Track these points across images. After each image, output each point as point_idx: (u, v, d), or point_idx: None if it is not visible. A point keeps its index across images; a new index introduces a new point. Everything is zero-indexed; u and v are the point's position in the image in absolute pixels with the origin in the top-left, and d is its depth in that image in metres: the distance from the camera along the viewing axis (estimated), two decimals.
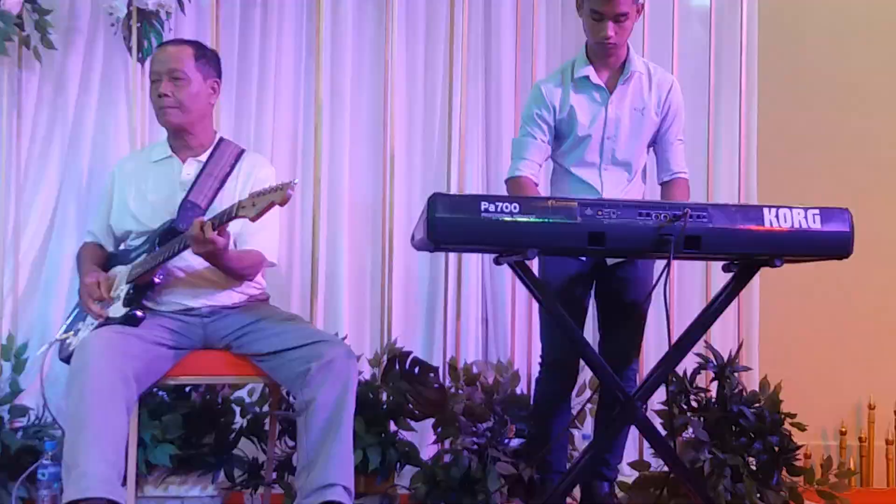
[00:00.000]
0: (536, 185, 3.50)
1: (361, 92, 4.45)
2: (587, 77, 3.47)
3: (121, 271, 3.35)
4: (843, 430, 4.85)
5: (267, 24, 4.40)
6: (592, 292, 3.60)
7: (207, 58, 3.45)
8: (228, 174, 3.40)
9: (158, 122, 3.45)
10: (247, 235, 3.31)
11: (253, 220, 2.94)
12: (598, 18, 3.35)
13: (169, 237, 3.22)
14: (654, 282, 3.50)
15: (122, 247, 3.44)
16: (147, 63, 3.84)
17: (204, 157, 3.42)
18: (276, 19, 4.40)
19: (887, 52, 4.96)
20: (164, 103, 3.36)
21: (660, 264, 3.11)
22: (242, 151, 3.49)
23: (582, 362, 3.55)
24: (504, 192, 3.58)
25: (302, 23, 4.43)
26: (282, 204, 2.89)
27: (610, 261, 3.51)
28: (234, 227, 3.12)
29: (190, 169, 3.41)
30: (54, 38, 4.04)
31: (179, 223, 3.24)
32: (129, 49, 4.06)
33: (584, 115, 3.47)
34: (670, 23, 4.43)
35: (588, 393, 4.00)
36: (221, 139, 3.50)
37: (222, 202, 3.29)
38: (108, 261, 3.45)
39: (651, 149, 3.60)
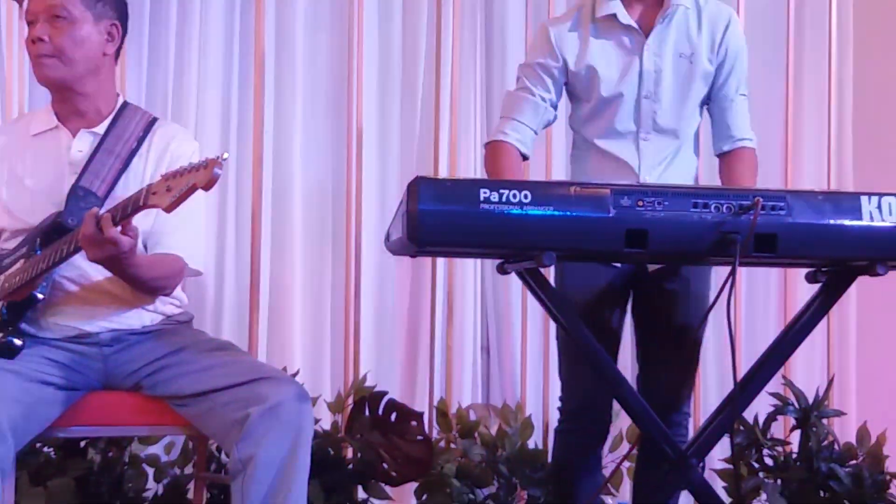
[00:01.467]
0: (525, 157, 3.50)
1: (317, 47, 4.50)
2: (614, 15, 3.45)
3: None
4: None
5: None
6: (629, 312, 3.59)
7: None
8: (135, 150, 3.37)
9: (36, 78, 3.42)
10: (161, 235, 3.28)
11: (168, 210, 2.91)
12: None
13: (55, 237, 3.19)
14: (712, 297, 3.50)
15: None
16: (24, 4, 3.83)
17: (101, 129, 3.38)
18: None
19: None
20: (39, 50, 3.31)
21: (721, 273, 3.11)
22: (154, 120, 3.47)
23: (616, 406, 3.55)
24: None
25: None
26: (207, 188, 2.85)
27: (652, 269, 3.50)
28: (143, 221, 3.11)
29: (82, 144, 3.37)
30: None
31: (68, 217, 3.21)
32: None
33: (610, 68, 3.46)
34: None
35: (625, 447, 3.99)
36: (126, 104, 3.47)
37: (127, 188, 3.25)
38: None
39: (705, 109, 3.59)
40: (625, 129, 3.46)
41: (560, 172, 4.22)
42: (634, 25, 3.44)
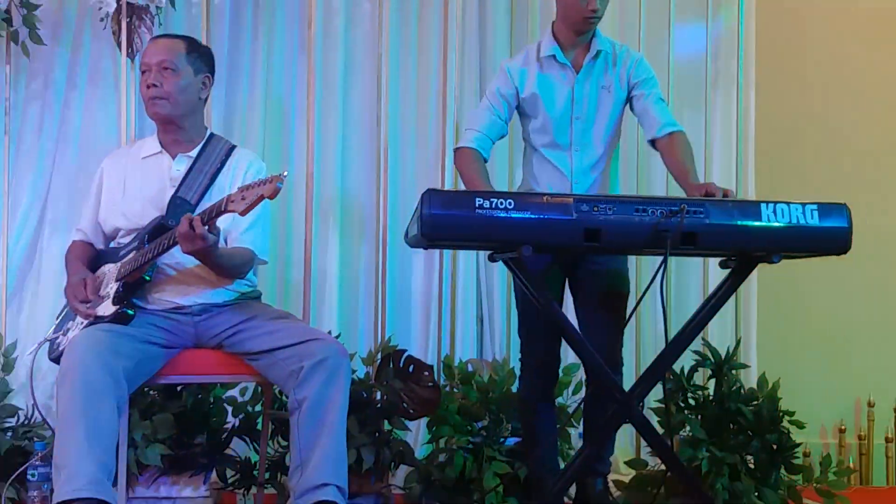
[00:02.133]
0: (486, 160, 3.47)
1: (354, 86, 4.46)
2: (554, 56, 3.46)
3: (110, 269, 3.34)
4: (842, 427, 4.87)
5: (257, 19, 4.40)
6: (567, 287, 3.58)
7: (200, 53, 3.44)
8: (219, 170, 3.40)
9: (147, 114, 3.44)
10: (237, 232, 3.31)
11: (242, 213, 2.94)
12: None
13: (158, 234, 3.20)
14: (641, 278, 3.51)
15: (111, 244, 3.43)
16: (137, 58, 3.83)
17: (194, 153, 3.42)
18: (268, 14, 4.41)
19: (886, 46, 4.98)
20: (152, 94, 3.34)
21: (655, 261, 3.11)
22: (233, 147, 3.49)
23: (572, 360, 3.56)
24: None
25: (293, 17, 4.42)
26: (271, 197, 2.88)
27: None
28: (224, 224, 3.14)
29: (180, 165, 3.40)
30: (43, 34, 4.04)
31: (169, 219, 3.23)
32: (119, 44, 4.05)
33: (550, 95, 3.46)
34: (667, 15, 4.43)
35: (584, 391, 4.01)
36: (212, 135, 3.50)
37: (212, 198, 3.26)
38: (97, 259, 3.44)
39: (634, 114, 3.54)
40: (561, 142, 3.47)
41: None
42: (569, 64, 3.46)
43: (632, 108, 3.53)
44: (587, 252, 3.38)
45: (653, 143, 3.48)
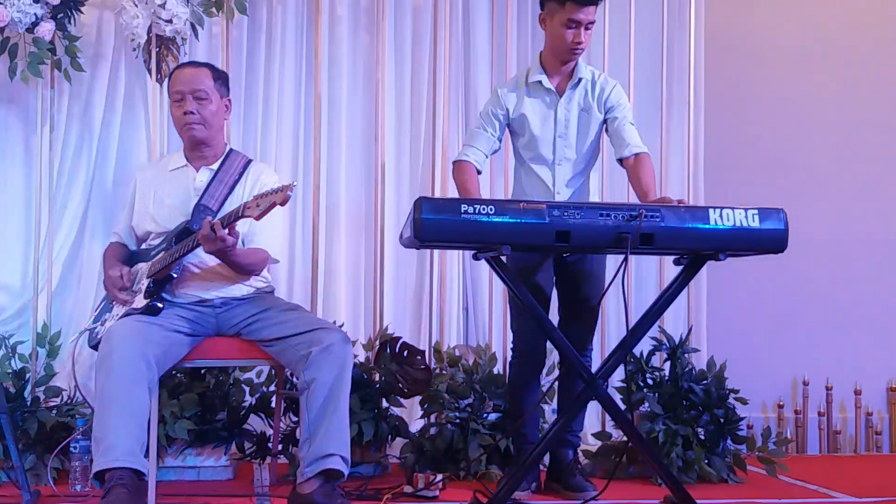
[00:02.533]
0: (479, 172, 3.49)
1: (355, 108, 4.44)
2: (539, 82, 3.48)
3: (142, 267, 3.33)
4: (781, 403, 4.88)
5: (270, 48, 4.39)
6: (554, 284, 3.59)
7: (222, 79, 3.44)
8: (237, 181, 3.39)
9: (181, 136, 3.42)
10: (253, 235, 3.30)
11: (257, 218, 2.94)
12: (574, 26, 3.36)
13: (184, 236, 3.20)
14: (606, 275, 3.52)
15: (143, 246, 3.42)
16: (165, 83, 3.82)
17: (215, 166, 3.41)
18: (279, 44, 4.39)
19: (820, 71, 5.00)
20: (190, 120, 3.32)
21: (615, 260, 3.12)
22: (250, 161, 3.48)
23: (549, 347, 3.56)
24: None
25: (302, 47, 4.41)
26: (282, 204, 2.89)
27: (568, 256, 3.51)
28: (241, 227, 3.13)
29: (203, 176, 3.39)
30: (82, 62, 4.02)
31: (193, 224, 3.22)
32: (149, 71, 4.04)
33: (536, 116, 3.48)
34: (627, 47, 4.43)
35: (557, 372, 4.00)
36: (231, 150, 3.49)
37: (231, 205, 3.26)
38: (131, 258, 3.43)
39: (607, 135, 3.55)
40: (546, 157, 3.48)
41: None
42: (553, 89, 3.47)
43: (606, 130, 3.54)
44: (558, 251, 3.39)
45: (620, 161, 3.49)
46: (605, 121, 3.51)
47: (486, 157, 3.53)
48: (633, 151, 3.44)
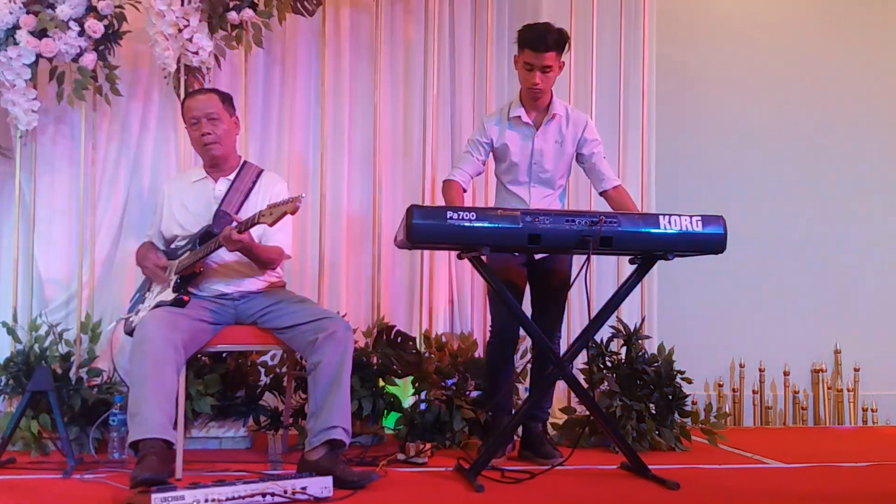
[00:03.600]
0: (465, 190, 3.50)
1: (356, 128, 4.43)
2: (519, 116, 3.48)
3: (171, 265, 3.32)
4: (720, 383, 4.90)
5: (284, 76, 4.37)
6: (528, 280, 3.59)
7: (228, 101, 3.41)
8: (251, 189, 3.37)
9: (200, 154, 3.41)
10: (269, 235, 3.28)
11: (270, 225, 2.95)
12: (529, 69, 3.37)
13: (207, 238, 3.20)
14: (572, 272, 3.53)
15: (171, 246, 3.40)
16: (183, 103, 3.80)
17: (231, 177, 3.39)
18: (291, 73, 4.38)
19: (754, 97, 5.03)
20: (208, 140, 3.32)
21: (580, 258, 3.12)
22: (262, 171, 3.47)
23: (522, 332, 3.56)
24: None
25: (310, 75, 4.39)
26: (293, 213, 2.89)
27: (538, 256, 3.51)
28: (256, 230, 3.12)
29: (221, 186, 3.38)
30: (120, 87, 3.99)
31: (214, 227, 3.22)
32: (178, 95, 4.01)
33: (515, 146, 3.48)
34: (589, 76, 4.43)
35: (529, 356, 4.00)
36: (245, 161, 3.47)
37: (247, 210, 3.27)
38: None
39: (584, 171, 3.59)
40: (523, 180, 3.50)
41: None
42: (531, 123, 3.48)
43: (579, 161, 3.55)
44: (530, 252, 3.40)
45: (602, 193, 3.54)
46: (577, 153, 3.53)
47: (472, 178, 3.55)
48: (612, 185, 3.51)
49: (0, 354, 3.80)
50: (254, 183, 3.39)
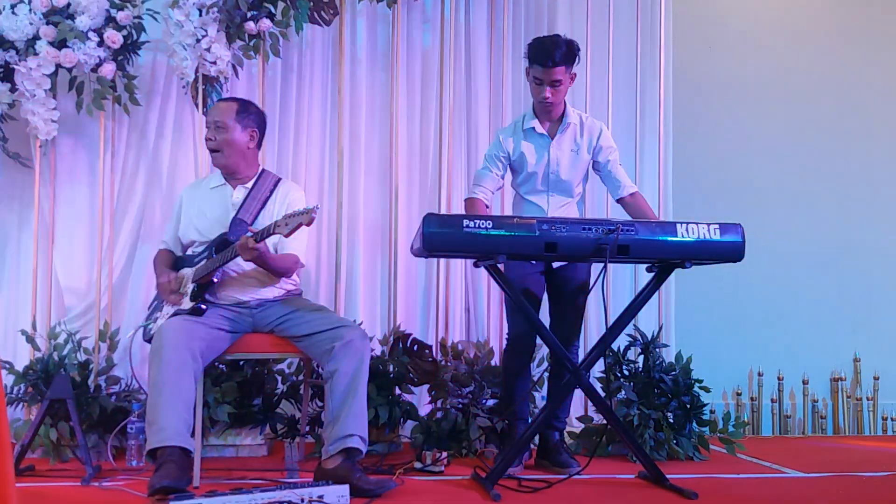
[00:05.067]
0: (487, 206, 3.50)
1: (373, 136, 4.44)
2: (533, 128, 3.48)
3: (188, 272, 3.33)
4: (739, 391, 4.86)
5: (301, 85, 4.39)
6: (545, 289, 3.58)
7: (249, 112, 3.39)
8: (268, 198, 3.38)
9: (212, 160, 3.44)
10: (284, 243, 3.29)
11: (286, 236, 2.95)
12: (538, 83, 3.37)
13: (223, 246, 3.20)
14: (590, 281, 3.51)
15: (188, 252, 3.42)
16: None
17: (249, 185, 3.40)
18: (308, 82, 4.39)
19: (772, 105, 5.01)
20: (209, 146, 3.36)
21: (597, 267, 3.11)
22: (279, 179, 3.47)
23: (539, 340, 3.55)
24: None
25: (327, 84, 4.41)
26: (308, 224, 2.89)
27: (556, 265, 3.50)
28: (272, 239, 3.13)
29: (239, 194, 3.39)
30: (139, 97, 4.02)
31: (231, 235, 3.23)
32: (196, 104, 4.04)
33: (531, 156, 3.47)
34: (606, 84, 4.42)
35: (546, 364, 3.99)
36: (263, 170, 3.48)
37: (263, 219, 3.29)
38: (176, 263, 3.43)
39: (600, 178, 3.58)
40: (540, 189, 3.48)
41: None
42: (546, 133, 3.47)
43: (595, 169, 3.54)
44: (546, 260, 3.39)
45: (618, 200, 3.53)
46: (593, 161, 3.52)
47: (493, 193, 3.54)
48: (628, 192, 3.50)
49: (19, 363, 3.83)
50: (271, 192, 3.39)
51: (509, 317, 3.59)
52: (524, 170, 3.49)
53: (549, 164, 3.46)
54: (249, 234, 3.03)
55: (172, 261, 3.45)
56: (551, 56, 3.30)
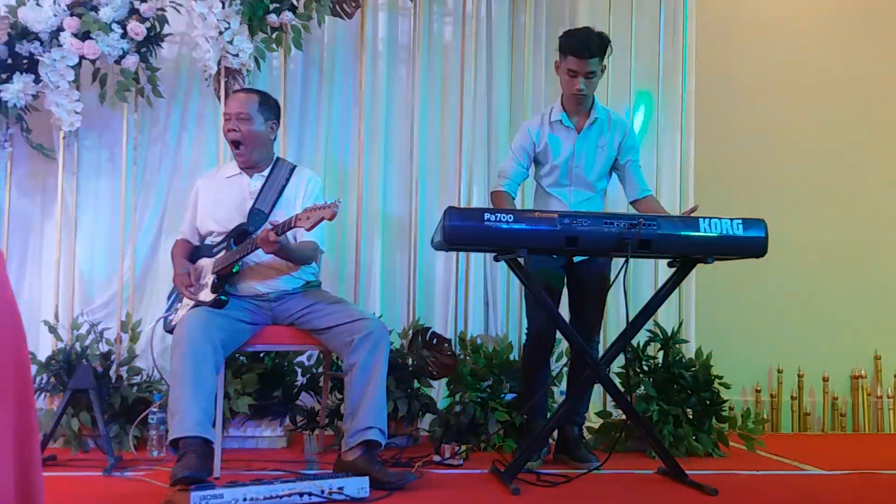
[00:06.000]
0: (514, 198, 3.49)
1: (393, 129, 4.43)
2: (560, 120, 3.45)
3: (206, 263, 3.33)
4: (758, 388, 4.83)
5: (322, 78, 4.38)
6: (566, 283, 3.56)
7: (269, 104, 3.40)
8: (284, 186, 3.37)
9: (231, 150, 3.41)
10: (302, 231, 3.24)
11: (308, 230, 2.95)
12: (573, 75, 3.34)
13: (242, 238, 3.21)
14: (611, 276, 3.50)
15: (206, 241, 3.42)
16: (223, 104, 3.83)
17: (266, 173, 3.39)
18: (329, 75, 4.38)
19: (795, 101, 4.96)
20: (231, 137, 3.34)
21: (618, 261, 3.09)
22: (295, 167, 3.47)
23: (559, 334, 3.53)
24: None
25: (348, 79, 4.40)
26: (330, 219, 2.89)
27: (577, 259, 3.48)
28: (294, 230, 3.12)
29: (256, 182, 3.38)
30: (162, 89, 4.03)
31: (249, 226, 3.23)
32: (218, 97, 4.05)
33: (557, 149, 3.46)
34: (628, 77, 4.40)
35: (565, 359, 3.97)
36: (279, 158, 3.47)
37: (282, 207, 3.29)
38: (195, 252, 3.44)
39: (617, 176, 3.56)
40: (563, 182, 3.47)
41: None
42: (572, 126, 3.45)
43: (614, 167, 3.52)
44: (567, 254, 3.37)
45: (632, 202, 3.53)
46: (616, 157, 3.50)
47: (518, 185, 3.53)
48: (642, 195, 3.49)
49: (42, 353, 3.85)
50: (287, 179, 3.39)
51: (529, 311, 3.58)
52: (548, 162, 3.47)
53: (574, 157, 3.44)
54: (269, 226, 3.03)
55: (189, 250, 3.46)
56: (587, 47, 3.28)
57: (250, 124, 3.32)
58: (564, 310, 3.56)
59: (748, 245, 2.98)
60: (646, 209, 3.44)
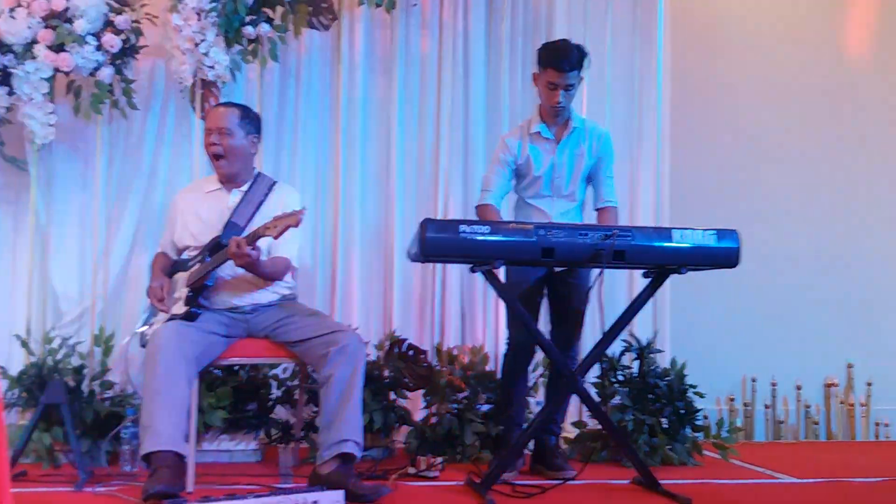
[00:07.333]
0: (498, 211, 3.47)
1: (370, 141, 4.39)
2: (539, 132, 3.45)
3: (182, 277, 3.30)
4: (732, 397, 4.83)
5: (298, 90, 4.34)
6: (546, 294, 3.54)
7: (250, 118, 3.37)
8: (262, 201, 3.34)
9: (212, 164, 3.38)
10: (276, 246, 3.23)
11: (275, 238, 2.95)
12: (552, 88, 3.34)
13: (216, 250, 3.18)
14: (589, 289, 3.49)
15: (183, 255, 3.38)
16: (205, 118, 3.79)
17: (245, 188, 3.36)
18: (305, 86, 4.34)
19: (770, 112, 4.99)
20: (213, 151, 3.30)
21: (595, 272, 3.08)
22: (275, 182, 3.44)
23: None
24: (475, 217, 3.53)
25: (325, 90, 4.37)
26: (295, 226, 2.89)
27: (557, 270, 3.47)
28: (265, 242, 3.08)
29: (234, 197, 3.35)
30: (137, 101, 3.98)
31: (224, 238, 3.19)
32: (194, 109, 4.00)
33: (537, 160, 3.44)
34: (604, 86, 4.40)
35: (541, 370, 3.95)
36: (259, 173, 3.45)
37: (257, 222, 3.24)
38: (173, 266, 3.40)
39: (589, 185, 3.56)
40: (544, 193, 3.46)
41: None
42: (552, 137, 3.45)
43: (590, 174, 3.52)
44: (543, 265, 3.35)
45: (596, 209, 3.53)
46: (593, 164, 3.49)
47: (503, 197, 3.51)
48: (605, 205, 3.49)
49: (13, 367, 3.77)
50: (265, 195, 3.36)
51: (510, 320, 3.56)
52: (530, 174, 3.46)
53: (554, 168, 3.44)
54: (241, 237, 3.00)
55: (168, 264, 3.42)
56: (568, 60, 3.28)
57: (231, 138, 3.29)
58: (545, 320, 3.55)
59: (721, 256, 2.99)
60: (604, 220, 3.45)
